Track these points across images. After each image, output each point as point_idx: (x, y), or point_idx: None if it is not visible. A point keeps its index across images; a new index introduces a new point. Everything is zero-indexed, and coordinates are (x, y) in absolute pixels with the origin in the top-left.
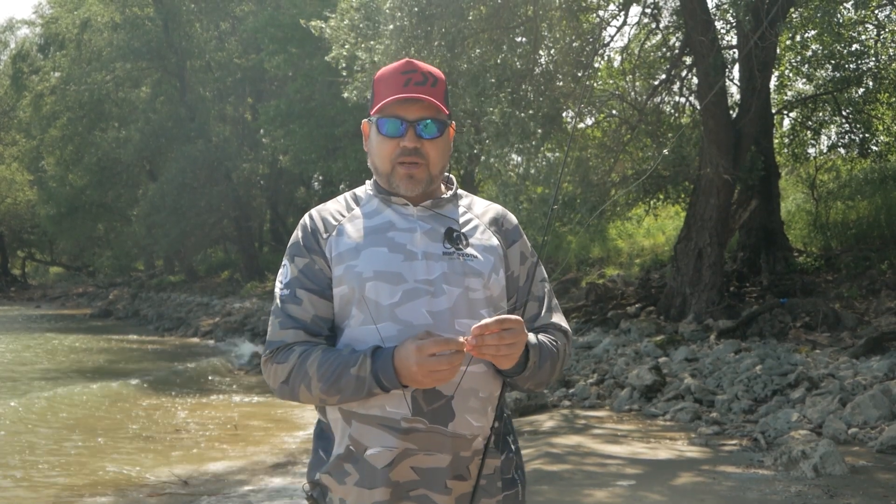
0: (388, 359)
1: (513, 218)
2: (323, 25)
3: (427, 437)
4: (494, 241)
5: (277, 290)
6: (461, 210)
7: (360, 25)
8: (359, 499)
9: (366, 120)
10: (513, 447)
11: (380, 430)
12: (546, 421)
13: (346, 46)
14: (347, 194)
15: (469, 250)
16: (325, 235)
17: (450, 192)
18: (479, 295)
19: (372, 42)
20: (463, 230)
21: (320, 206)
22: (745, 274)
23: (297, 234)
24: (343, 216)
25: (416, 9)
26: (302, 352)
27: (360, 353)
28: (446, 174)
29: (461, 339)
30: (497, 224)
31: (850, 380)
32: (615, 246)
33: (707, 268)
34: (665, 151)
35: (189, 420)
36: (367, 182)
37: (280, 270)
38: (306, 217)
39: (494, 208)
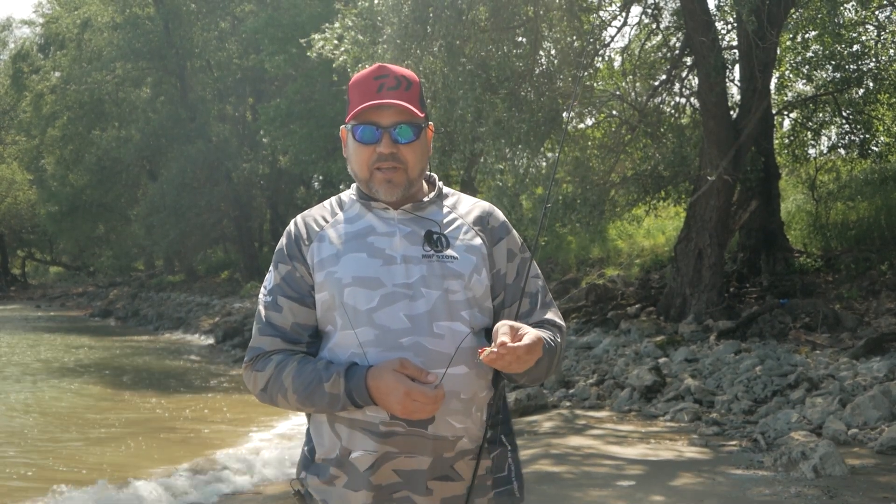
0: (360, 379)
1: (500, 215)
2: (323, 38)
3: (406, 439)
4: (477, 240)
5: (261, 297)
6: (445, 210)
7: (359, 36)
8: (343, 501)
9: (343, 126)
10: (508, 445)
11: (362, 433)
12: (546, 421)
13: (349, 53)
14: (333, 199)
15: (449, 252)
16: (307, 243)
17: (432, 194)
18: (460, 297)
19: (370, 49)
20: (446, 231)
21: (305, 212)
22: (745, 275)
23: (282, 241)
24: (326, 221)
25: (416, 12)
26: (279, 362)
27: (334, 371)
28: (429, 174)
29: (439, 387)
30: (482, 223)
31: (850, 381)
32: (615, 246)
33: (707, 268)
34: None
35: (187, 416)
36: (353, 185)
37: (266, 276)
38: (291, 224)
39: (480, 206)
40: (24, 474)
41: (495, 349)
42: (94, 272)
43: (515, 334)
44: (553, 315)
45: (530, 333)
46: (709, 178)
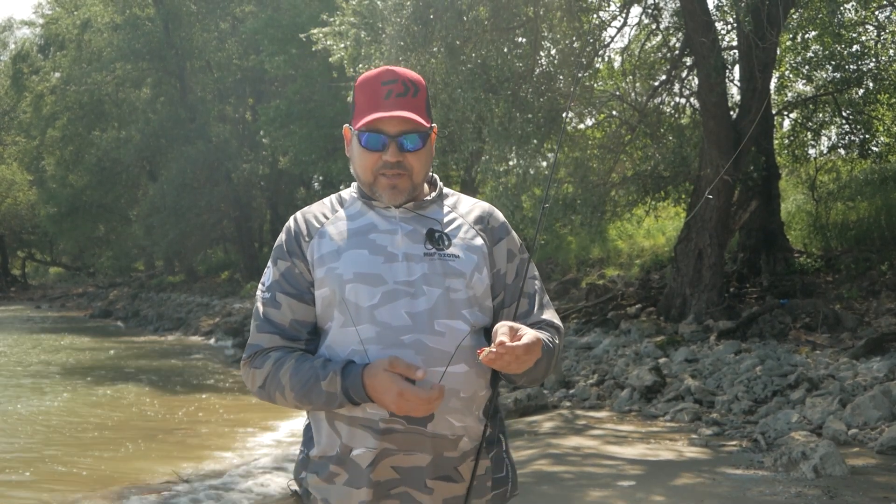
0: (357, 377)
1: (499, 215)
2: (322, 32)
3: (405, 437)
4: (478, 240)
5: (259, 293)
6: (446, 210)
7: (361, 34)
8: (345, 499)
9: (347, 126)
10: (503, 444)
11: (363, 431)
12: (546, 421)
13: (347, 50)
14: (333, 196)
15: (451, 250)
16: (307, 239)
17: (433, 193)
18: (461, 295)
19: (371, 48)
20: (446, 230)
21: (305, 209)
22: (746, 275)
23: (282, 237)
24: (327, 218)
25: (416, 13)
26: (277, 359)
27: (331, 369)
28: (430, 174)
29: (435, 387)
30: (483, 222)
31: (850, 381)
32: (615, 247)
33: (707, 268)
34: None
35: (188, 418)
36: (353, 184)
37: (264, 272)
38: (291, 220)
39: (480, 206)
40: (22, 475)
41: (494, 349)
42: (94, 273)
43: (514, 335)
44: (551, 316)
45: (529, 334)
46: (708, 196)
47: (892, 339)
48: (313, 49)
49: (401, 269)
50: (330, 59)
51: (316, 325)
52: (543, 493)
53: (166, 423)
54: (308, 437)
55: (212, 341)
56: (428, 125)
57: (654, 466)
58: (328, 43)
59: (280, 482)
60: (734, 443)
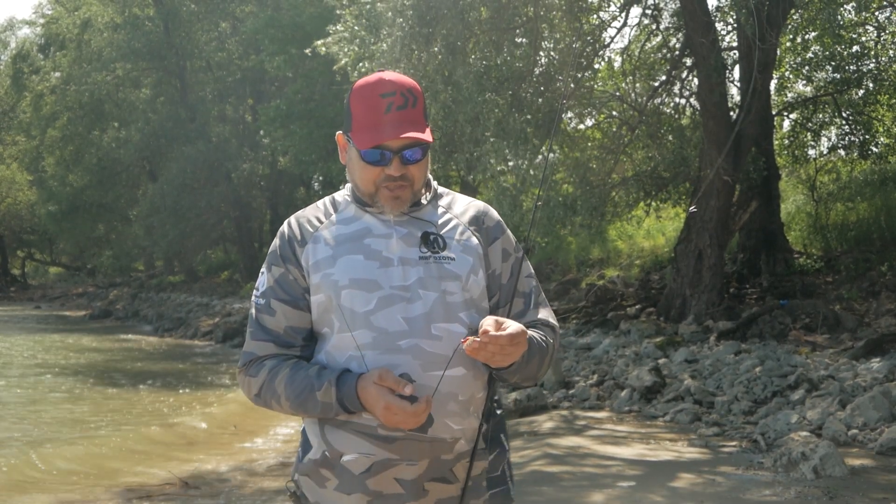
0: (351, 387)
1: (494, 214)
2: (326, 44)
3: (407, 444)
4: (474, 240)
5: (253, 299)
6: (440, 210)
7: (363, 33)
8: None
9: (341, 133)
10: (505, 446)
11: (356, 436)
12: (546, 422)
13: (350, 55)
14: (327, 199)
15: (446, 253)
16: (301, 244)
17: (428, 195)
18: (458, 298)
19: (373, 47)
20: (442, 231)
21: (299, 213)
22: (745, 275)
23: (276, 242)
24: (321, 222)
25: (417, 14)
26: (272, 367)
27: (325, 379)
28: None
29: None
30: (478, 223)
31: (850, 381)
32: (615, 247)
33: (707, 269)
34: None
35: (188, 420)
36: (347, 186)
37: (259, 277)
38: (285, 225)
39: (475, 206)
40: (20, 476)
41: (478, 339)
42: (93, 272)
43: (499, 327)
44: (546, 315)
45: (514, 325)
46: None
47: (891, 340)
48: (320, 51)
49: (396, 273)
50: (335, 68)
51: (311, 330)
52: (543, 493)
53: (165, 425)
54: (304, 439)
55: (211, 342)
56: (430, 139)
57: (654, 467)
58: (333, 49)
59: (279, 484)
60: (734, 443)
